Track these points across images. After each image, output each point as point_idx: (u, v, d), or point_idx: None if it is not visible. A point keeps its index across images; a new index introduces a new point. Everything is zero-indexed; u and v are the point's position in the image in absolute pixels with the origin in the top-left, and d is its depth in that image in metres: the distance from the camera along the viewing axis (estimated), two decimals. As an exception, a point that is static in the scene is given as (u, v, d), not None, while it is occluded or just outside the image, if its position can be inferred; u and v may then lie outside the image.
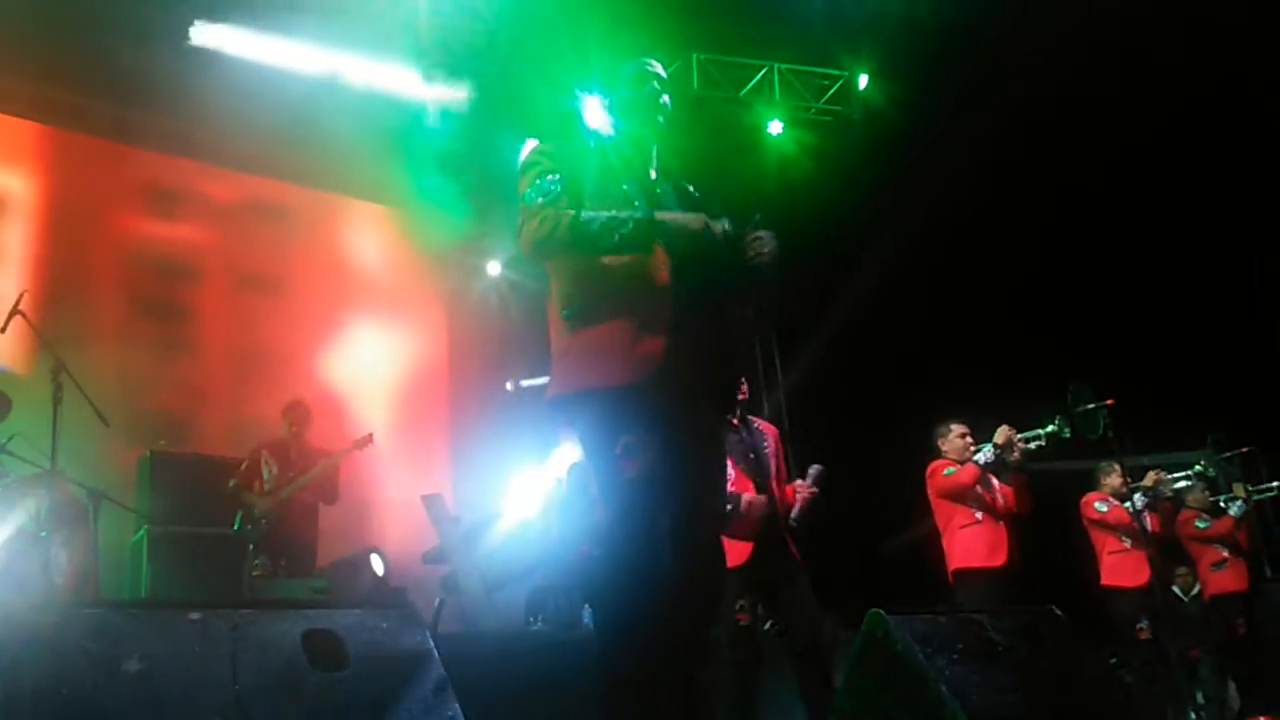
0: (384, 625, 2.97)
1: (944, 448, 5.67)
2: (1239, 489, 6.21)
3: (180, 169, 7.81)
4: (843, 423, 8.53)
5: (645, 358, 2.71)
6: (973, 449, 5.56)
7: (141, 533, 5.99)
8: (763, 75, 8.93)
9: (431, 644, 2.91)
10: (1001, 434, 5.34)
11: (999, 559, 5.32)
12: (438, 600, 6.28)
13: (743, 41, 8.69)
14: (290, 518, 5.84)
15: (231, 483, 6.00)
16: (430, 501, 6.53)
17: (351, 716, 2.70)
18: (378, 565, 5.85)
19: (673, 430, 2.71)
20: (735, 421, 4.73)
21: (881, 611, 3.68)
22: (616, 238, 2.72)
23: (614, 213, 2.74)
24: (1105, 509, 6.05)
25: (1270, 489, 6.30)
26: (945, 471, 5.44)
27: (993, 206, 7.85)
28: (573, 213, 2.73)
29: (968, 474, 5.34)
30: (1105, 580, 6.01)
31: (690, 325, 2.75)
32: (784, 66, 8.92)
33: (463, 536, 6.68)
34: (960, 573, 5.33)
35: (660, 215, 2.77)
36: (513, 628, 6.24)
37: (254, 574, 5.55)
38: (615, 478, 2.68)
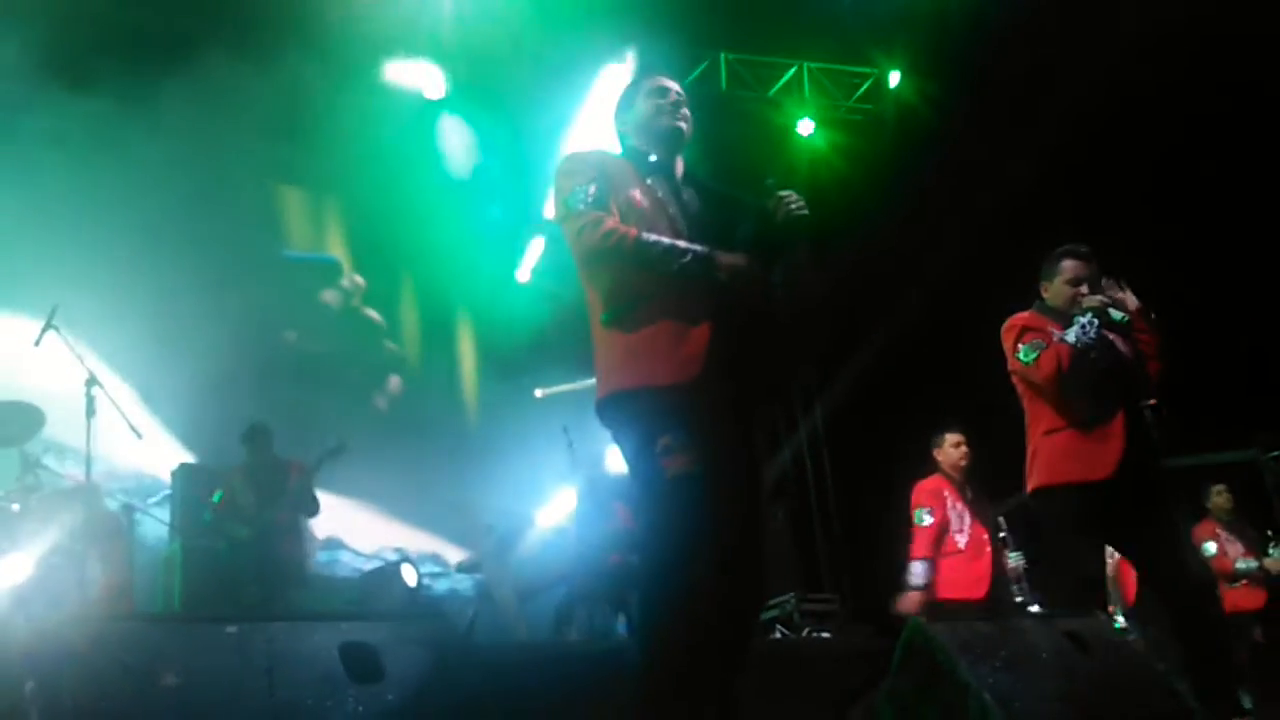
0: (419, 635, 2.96)
1: (939, 458, 5.55)
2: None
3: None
4: (878, 428, 8.48)
5: (690, 358, 2.71)
6: (964, 462, 5.52)
7: (175, 545, 6.01)
8: (792, 74, 8.88)
9: (464, 655, 2.90)
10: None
11: (980, 591, 5.23)
12: (472, 611, 6.26)
13: (771, 40, 8.65)
14: (277, 537, 5.82)
15: (207, 515, 5.97)
16: (459, 511, 6.52)
17: (391, 729, 2.69)
18: (409, 576, 5.84)
19: (716, 430, 2.70)
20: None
21: (922, 620, 3.63)
22: (676, 266, 2.74)
23: (673, 243, 2.78)
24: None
25: None
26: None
27: (1028, 205, 7.74)
28: (637, 233, 2.76)
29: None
30: None
31: (734, 326, 2.75)
32: (813, 65, 8.87)
33: (495, 545, 6.67)
34: (940, 604, 5.20)
35: (716, 255, 2.77)
36: (545, 637, 6.22)
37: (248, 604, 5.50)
38: (658, 480, 2.66)
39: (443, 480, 8.61)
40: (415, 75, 8.14)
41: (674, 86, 3.05)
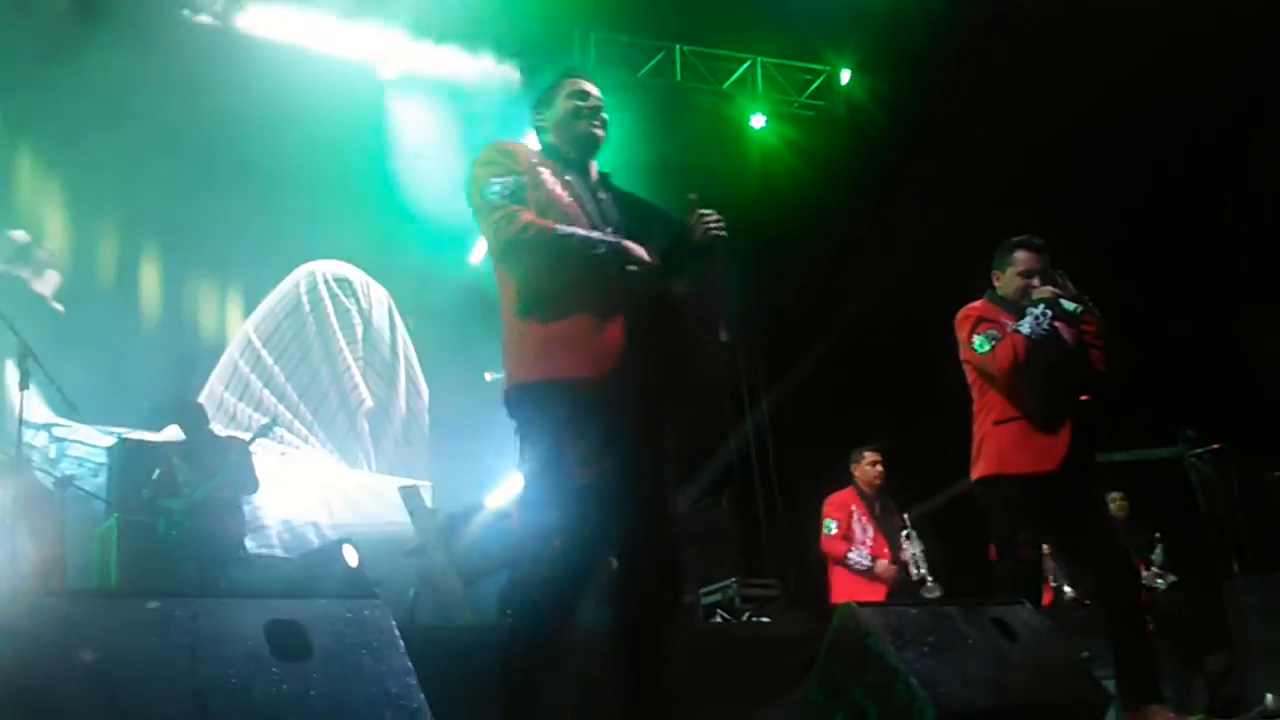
0: (349, 615, 2.94)
1: (855, 473, 5.87)
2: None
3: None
4: (825, 419, 8.56)
5: (605, 352, 2.75)
6: (879, 480, 5.76)
7: (111, 521, 5.94)
8: (745, 68, 8.92)
9: (398, 634, 2.88)
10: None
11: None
12: (412, 592, 6.24)
13: (725, 34, 8.67)
14: (213, 514, 5.79)
15: (145, 493, 5.91)
16: (407, 494, 6.49)
17: (314, 707, 2.66)
18: (350, 556, 5.81)
19: (628, 428, 2.75)
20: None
21: (854, 604, 3.69)
22: (591, 257, 2.79)
23: (588, 234, 2.83)
24: None
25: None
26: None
27: (980, 204, 7.83)
28: (553, 225, 2.80)
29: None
30: None
31: (648, 320, 2.80)
32: (766, 60, 8.90)
33: (439, 529, 6.65)
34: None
35: (628, 244, 2.83)
36: (489, 621, 6.21)
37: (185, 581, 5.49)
38: (565, 483, 2.72)
39: (395, 464, 8.60)
40: (371, 50, 8.04)
41: (594, 90, 3.09)
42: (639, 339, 2.78)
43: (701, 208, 2.95)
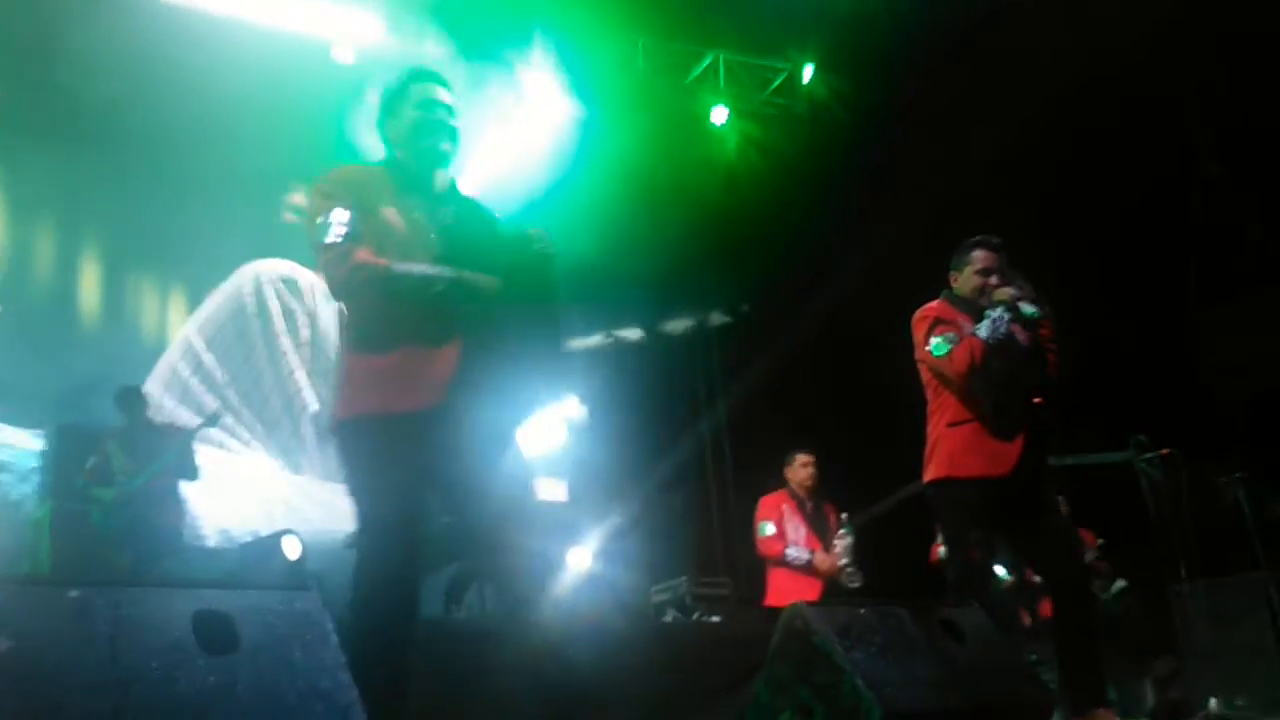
0: (281, 607, 2.85)
1: (787, 475, 5.91)
2: None
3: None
4: (781, 419, 8.55)
5: (431, 385, 2.74)
6: (810, 482, 5.80)
7: (46, 508, 5.78)
8: (708, 64, 8.88)
9: (331, 628, 2.80)
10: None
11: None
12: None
13: (689, 28, 8.63)
14: (151, 503, 5.66)
15: (80, 481, 5.77)
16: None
17: (241, 701, 2.58)
18: (291, 549, 5.69)
19: (456, 459, 2.78)
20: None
21: (802, 604, 3.66)
22: (428, 295, 2.75)
23: (425, 270, 2.77)
24: None
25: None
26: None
27: (941, 203, 7.86)
28: (387, 265, 2.74)
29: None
30: None
31: (482, 352, 2.79)
32: (729, 56, 8.87)
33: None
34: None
35: (466, 276, 2.79)
36: (434, 615, 6.13)
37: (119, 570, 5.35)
38: (379, 511, 2.78)
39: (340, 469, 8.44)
40: (335, 29, 7.87)
41: (444, 98, 2.97)
42: (471, 368, 2.77)
43: (538, 232, 2.93)
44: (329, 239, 2.77)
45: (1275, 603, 6.22)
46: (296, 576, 5.61)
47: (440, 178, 2.96)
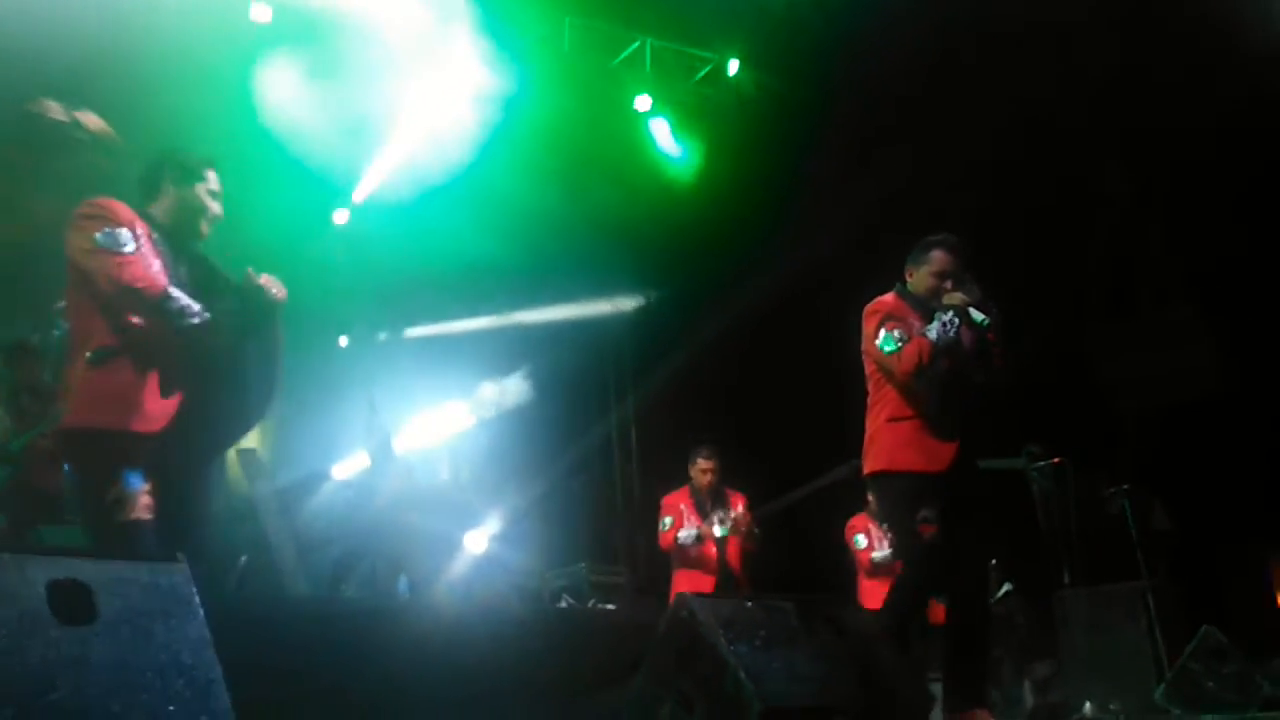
0: (145, 579, 2.74)
1: (690, 473, 6.07)
2: None
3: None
4: (687, 414, 8.58)
5: (158, 411, 3.05)
6: (707, 481, 5.91)
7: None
8: (635, 48, 8.81)
9: (198, 601, 2.70)
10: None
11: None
12: (244, 559, 5.97)
13: (618, 11, 8.55)
14: (33, 468, 5.43)
15: None
16: (244, 457, 6.20)
17: (94, 673, 2.47)
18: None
19: (176, 479, 3.06)
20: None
21: (689, 594, 3.65)
22: (186, 324, 3.09)
23: (190, 303, 3.11)
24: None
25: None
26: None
27: (857, 207, 7.92)
28: (165, 286, 3.09)
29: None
30: None
31: (205, 386, 3.13)
32: (657, 42, 8.82)
33: (279, 495, 6.38)
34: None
35: (210, 317, 3.13)
36: (323, 592, 6.00)
37: None
38: (109, 525, 2.98)
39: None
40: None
41: (216, 188, 3.35)
42: (197, 399, 3.09)
43: (259, 278, 3.24)
44: (115, 246, 3.07)
45: (1153, 611, 6.43)
46: (174, 547, 5.41)
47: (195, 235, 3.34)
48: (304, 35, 7.71)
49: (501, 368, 9.13)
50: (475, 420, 9.05)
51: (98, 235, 3.07)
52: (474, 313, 9.13)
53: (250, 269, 3.27)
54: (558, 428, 9.00)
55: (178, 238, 3.28)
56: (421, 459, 8.48)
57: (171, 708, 2.48)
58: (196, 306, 3.10)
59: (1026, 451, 6.53)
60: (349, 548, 5.92)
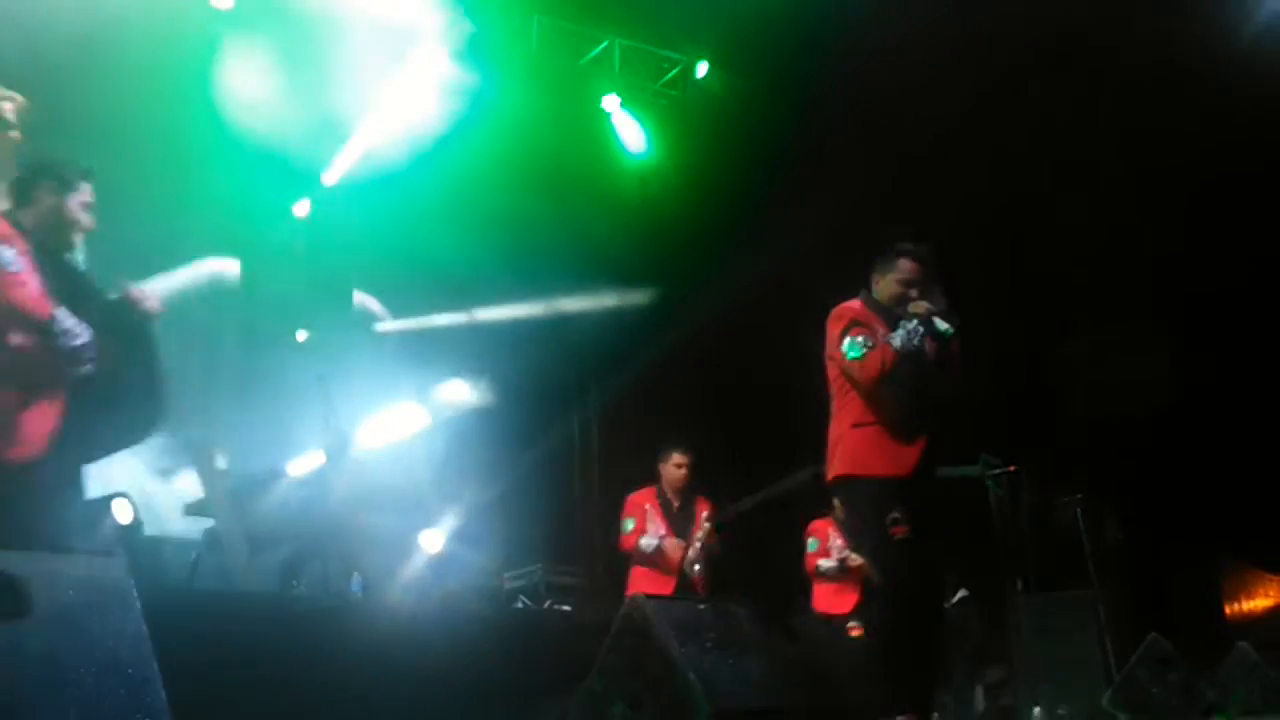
0: (82, 574, 2.69)
1: (661, 470, 5.93)
2: None
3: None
4: (652, 415, 8.56)
5: (35, 436, 3.03)
6: (680, 482, 5.90)
7: None
8: (603, 48, 8.80)
9: (135, 596, 2.65)
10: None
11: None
12: (194, 555, 5.89)
13: (587, 10, 8.54)
14: None
15: None
16: (196, 451, 6.13)
17: (27, 670, 2.43)
18: (123, 513, 5.40)
19: (51, 507, 3.07)
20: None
21: (642, 596, 3.65)
22: (69, 347, 3.11)
23: (75, 324, 3.13)
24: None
25: None
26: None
27: (822, 210, 7.96)
28: (52, 309, 3.09)
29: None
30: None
31: (78, 407, 3.12)
32: (625, 43, 8.81)
33: (232, 491, 6.30)
34: None
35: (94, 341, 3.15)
36: (274, 590, 5.93)
37: None
38: None
39: (190, 419, 8.10)
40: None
41: (89, 199, 3.35)
42: (70, 421, 3.08)
43: (133, 290, 3.30)
44: (9, 266, 3.08)
45: (1102, 619, 6.51)
46: (127, 543, 5.31)
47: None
48: (267, 22, 7.62)
49: (463, 366, 9.08)
50: (434, 419, 9.00)
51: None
52: (435, 309, 9.06)
53: (126, 282, 3.31)
54: (519, 427, 8.95)
55: (49, 248, 3.27)
56: (379, 457, 8.43)
57: (106, 705, 2.43)
58: (81, 328, 3.12)
59: (983, 460, 6.59)
60: (302, 546, 5.84)
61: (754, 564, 7.39)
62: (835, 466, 3.95)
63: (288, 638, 4.05)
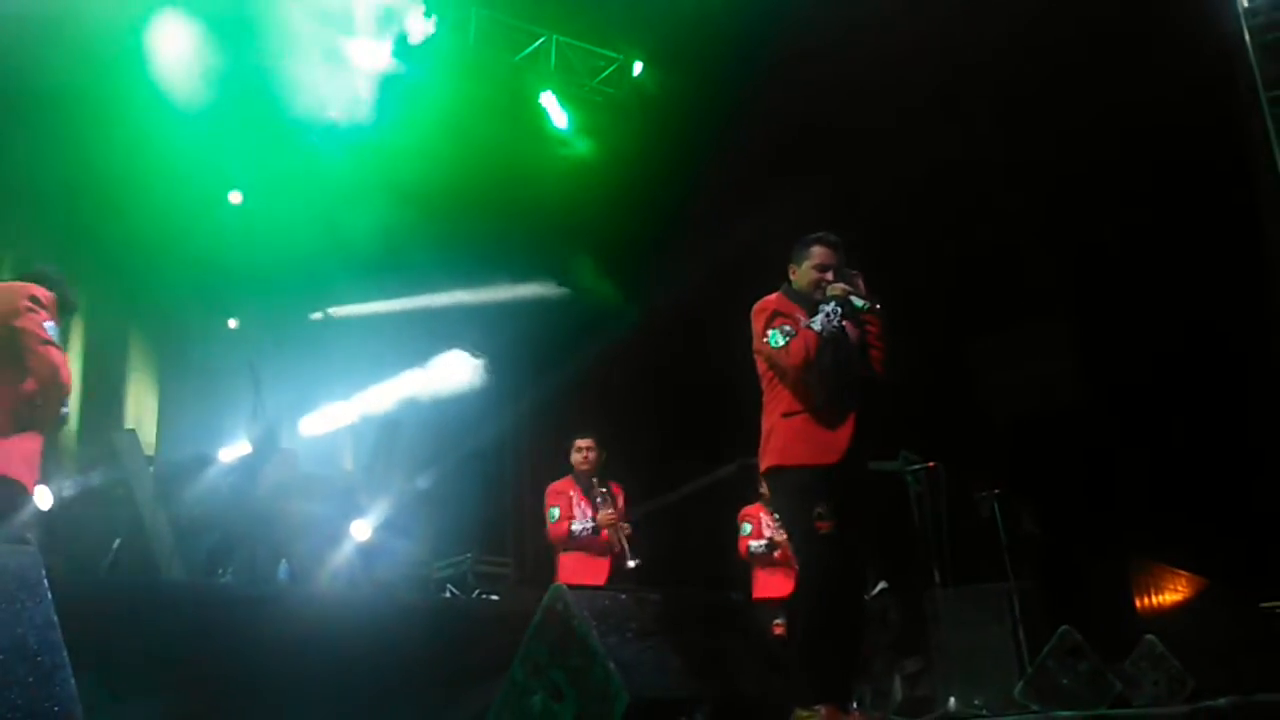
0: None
1: (571, 459, 6.07)
2: None
3: None
4: (581, 409, 8.61)
5: None
6: (586, 465, 5.99)
7: None
8: (540, 44, 8.80)
9: (45, 584, 2.63)
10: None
11: (600, 579, 5.78)
12: (117, 542, 5.80)
13: (525, 5, 8.53)
14: None
15: None
16: (121, 437, 6.03)
17: (-72, 658, 2.42)
18: (42, 498, 5.31)
19: None
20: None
21: (563, 586, 3.69)
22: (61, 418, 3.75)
23: None
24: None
25: None
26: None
27: (757, 208, 8.04)
28: None
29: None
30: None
31: None
32: (562, 39, 8.82)
33: (159, 477, 6.22)
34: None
35: None
36: (199, 577, 5.86)
37: None
38: None
39: (114, 407, 7.99)
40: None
41: None
42: None
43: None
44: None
45: (1017, 611, 6.72)
46: (48, 529, 5.23)
47: None
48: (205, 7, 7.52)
49: (395, 355, 9.05)
50: (365, 410, 8.96)
51: (48, 325, 3.47)
52: (368, 298, 9.00)
53: None
54: (450, 420, 8.95)
55: None
56: (309, 446, 8.37)
57: (14, 692, 2.42)
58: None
59: (902, 455, 6.74)
60: (228, 533, 5.78)
61: (683, 554, 7.50)
62: (767, 458, 4.02)
63: (212, 624, 4.03)
